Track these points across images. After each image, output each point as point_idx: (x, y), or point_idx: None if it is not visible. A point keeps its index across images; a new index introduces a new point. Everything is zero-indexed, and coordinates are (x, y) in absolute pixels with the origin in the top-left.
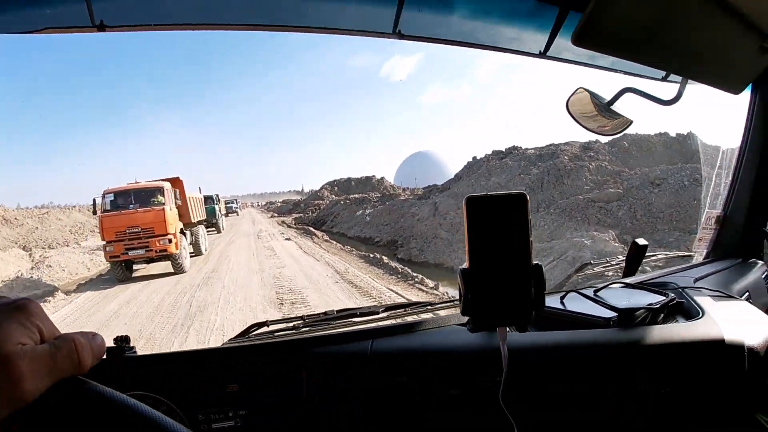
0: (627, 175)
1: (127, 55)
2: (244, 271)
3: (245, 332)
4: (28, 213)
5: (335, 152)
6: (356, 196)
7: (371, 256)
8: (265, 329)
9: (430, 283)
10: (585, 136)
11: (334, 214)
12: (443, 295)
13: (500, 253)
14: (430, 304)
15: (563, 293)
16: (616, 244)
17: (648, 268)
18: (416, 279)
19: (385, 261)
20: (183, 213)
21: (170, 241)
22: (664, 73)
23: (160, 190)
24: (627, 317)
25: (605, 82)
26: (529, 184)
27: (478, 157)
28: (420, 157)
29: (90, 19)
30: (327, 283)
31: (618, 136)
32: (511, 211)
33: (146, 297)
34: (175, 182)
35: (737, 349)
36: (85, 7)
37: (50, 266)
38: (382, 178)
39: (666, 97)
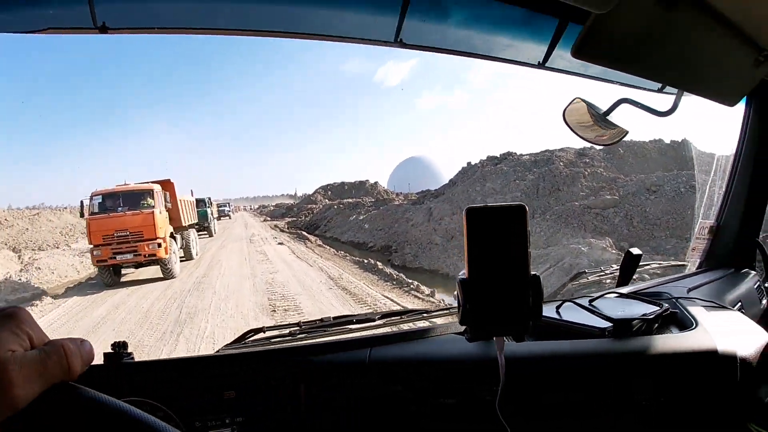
0: (623, 181)
1: (122, 57)
2: (236, 276)
3: (241, 338)
4: (18, 214)
5: (329, 156)
6: (350, 200)
7: (365, 261)
8: (261, 335)
9: (426, 290)
10: (580, 142)
11: (327, 218)
12: (439, 302)
13: (499, 263)
14: (426, 311)
15: (559, 303)
16: (614, 251)
17: (646, 276)
18: (411, 286)
19: (380, 267)
20: (174, 216)
21: (159, 245)
22: (660, 85)
23: (150, 193)
24: (622, 328)
25: (601, 91)
26: (525, 190)
27: (473, 163)
28: (413, 162)
29: (92, 20)
30: (321, 289)
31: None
32: (510, 223)
33: (135, 302)
34: (166, 185)
35: (730, 359)
36: (88, 9)
37: (39, 268)
38: (376, 183)
39: (662, 108)
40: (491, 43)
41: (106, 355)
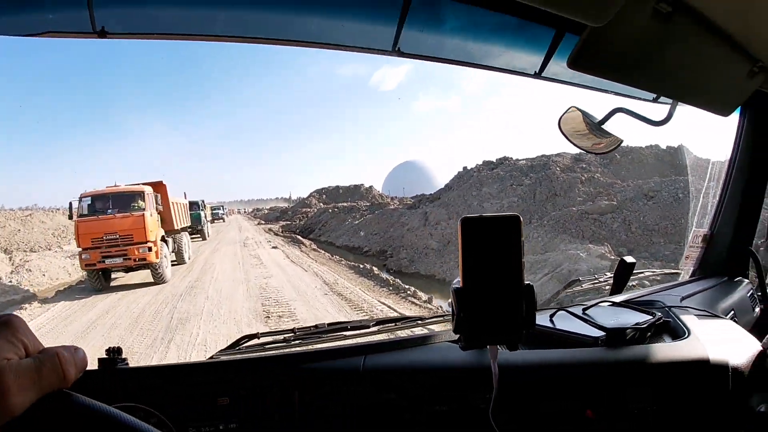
0: (620, 187)
1: (117, 59)
2: (229, 280)
3: (235, 344)
4: (10, 215)
5: (324, 160)
6: (345, 204)
7: (361, 266)
8: (255, 341)
9: (423, 296)
10: (575, 148)
11: (322, 222)
12: (437, 309)
13: (493, 272)
14: (421, 318)
15: (552, 311)
16: (612, 257)
17: (643, 283)
18: (408, 292)
19: (376, 272)
20: (165, 219)
21: (150, 249)
22: (654, 95)
23: (141, 195)
24: (615, 337)
25: (596, 100)
26: (522, 195)
27: (469, 167)
28: (408, 167)
29: (91, 25)
30: (315, 295)
31: None
32: (505, 232)
33: (126, 307)
34: (158, 186)
35: (722, 368)
36: (87, 14)
37: (30, 270)
38: (371, 187)
39: (656, 118)
40: (488, 52)
41: (100, 360)
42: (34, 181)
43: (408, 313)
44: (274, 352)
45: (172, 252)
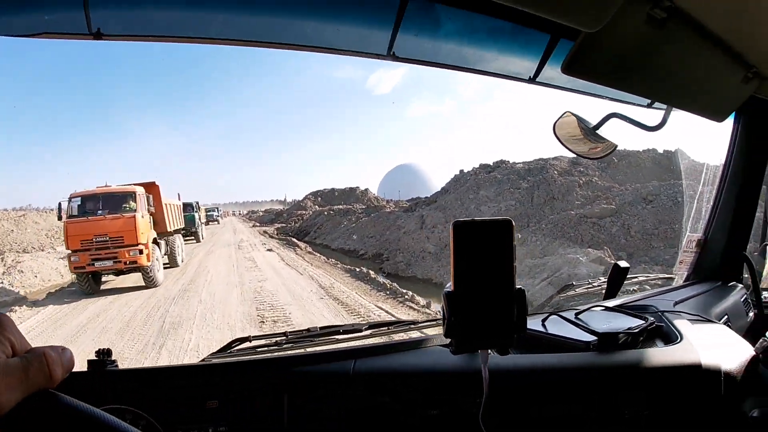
0: (618, 190)
1: (113, 60)
2: (223, 284)
3: (227, 347)
4: (4, 215)
5: (319, 162)
6: (340, 207)
7: (357, 270)
8: (247, 345)
9: (422, 301)
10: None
11: (317, 225)
12: (436, 314)
13: (485, 277)
14: (414, 322)
15: (545, 315)
16: (612, 261)
17: (634, 288)
18: (406, 296)
19: (372, 276)
20: (158, 221)
21: (141, 251)
22: (649, 100)
23: (132, 195)
24: (607, 341)
25: (591, 105)
26: (519, 199)
27: (466, 171)
28: (404, 170)
29: (87, 26)
30: (311, 299)
31: None
32: (496, 237)
33: (117, 310)
34: (150, 187)
35: (714, 373)
36: (83, 15)
37: (22, 271)
38: (366, 190)
39: (651, 123)
40: (483, 57)
41: (89, 362)
42: (29, 182)
43: (406, 319)
44: (265, 355)
45: (165, 255)
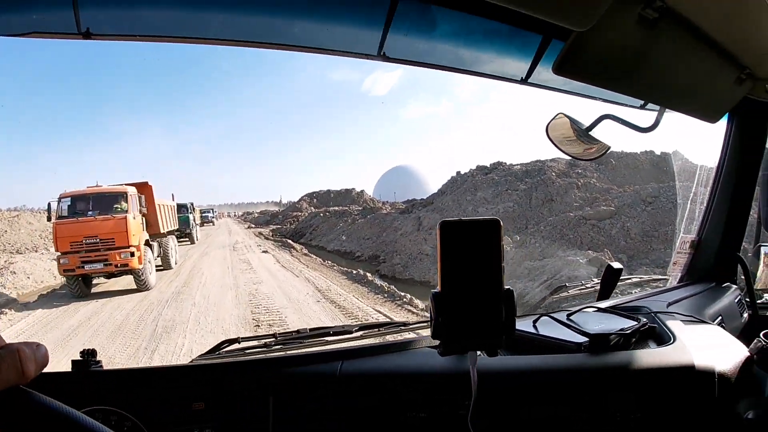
0: (617, 192)
1: (105, 60)
2: (218, 286)
3: (216, 348)
4: None
5: (314, 164)
6: (336, 208)
7: (354, 272)
8: (236, 346)
9: (420, 304)
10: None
11: (313, 226)
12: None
13: (472, 277)
14: (405, 324)
15: (536, 317)
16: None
17: (627, 290)
18: (404, 299)
19: (370, 278)
20: (151, 222)
21: (132, 254)
22: (642, 101)
23: (123, 196)
24: (599, 342)
25: (585, 106)
26: (517, 200)
27: (462, 172)
28: (399, 171)
29: (76, 26)
30: (308, 302)
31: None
32: (484, 237)
33: (108, 314)
34: (143, 187)
35: (707, 375)
36: (72, 15)
37: (15, 273)
38: (362, 191)
39: (643, 125)
40: (474, 57)
41: (73, 362)
42: (23, 182)
43: (398, 320)
44: (253, 357)
45: (158, 257)
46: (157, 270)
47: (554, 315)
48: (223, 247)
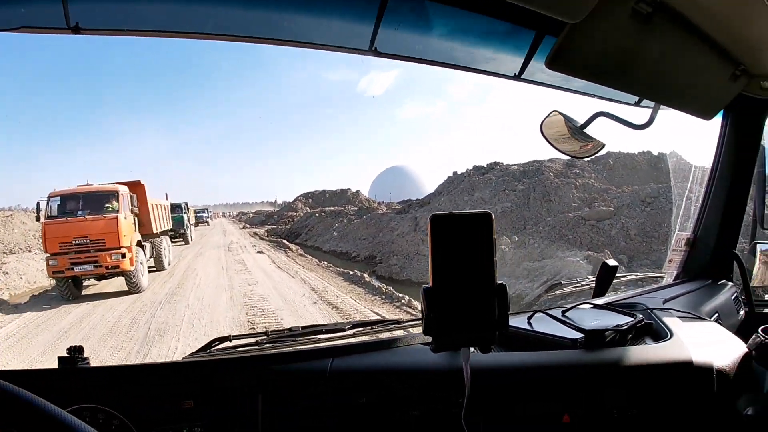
0: (615, 192)
1: (98, 57)
2: (212, 287)
3: (207, 347)
4: None
5: (310, 164)
6: (332, 208)
7: (351, 273)
8: (227, 344)
9: (419, 306)
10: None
11: (308, 226)
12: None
13: (464, 272)
14: (398, 321)
15: (530, 313)
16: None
17: (623, 288)
18: (403, 300)
19: (367, 279)
20: (143, 222)
21: (123, 255)
22: (636, 98)
23: (114, 195)
24: (594, 339)
25: (580, 104)
26: (515, 200)
27: (459, 172)
28: (395, 172)
29: (65, 20)
30: (304, 303)
31: (602, 153)
32: (475, 230)
33: (100, 316)
34: (135, 186)
35: (706, 371)
36: (61, 9)
37: (7, 273)
38: (358, 191)
39: (638, 122)
40: (466, 53)
41: (60, 359)
42: (18, 181)
43: (408, 332)
44: (243, 354)
45: (150, 258)
46: (150, 271)
47: (549, 312)
48: (218, 248)
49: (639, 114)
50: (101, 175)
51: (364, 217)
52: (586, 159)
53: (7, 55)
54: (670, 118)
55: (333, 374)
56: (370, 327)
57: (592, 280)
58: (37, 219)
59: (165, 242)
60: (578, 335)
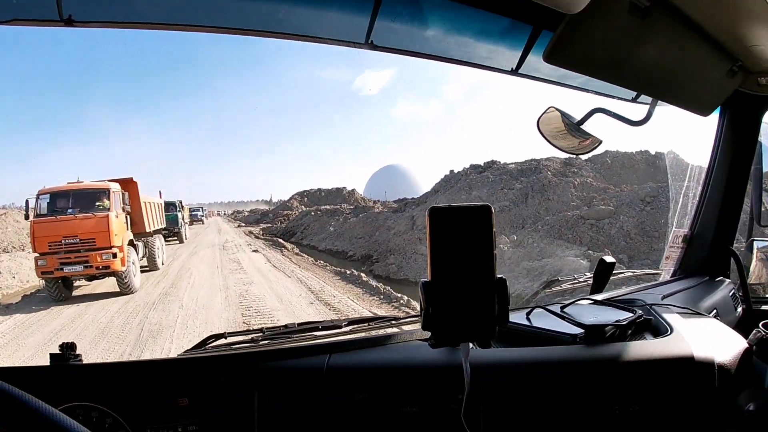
0: (614, 192)
1: (90, 53)
2: (207, 288)
3: (202, 344)
4: None
5: (305, 163)
6: (327, 207)
7: (348, 272)
8: (222, 341)
9: (419, 306)
10: (555, 149)
11: (304, 225)
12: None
13: (463, 265)
14: (395, 318)
15: (529, 309)
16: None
17: (619, 284)
18: (401, 301)
19: (364, 279)
20: (136, 220)
21: (115, 255)
22: (634, 94)
23: (105, 193)
24: (594, 334)
25: (577, 101)
26: (513, 199)
27: (456, 171)
28: (390, 171)
29: (58, 13)
30: (300, 304)
31: (599, 152)
32: (475, 223)
33: (92, 316)
34: (127, 184)
35: (707, 366)
36: (54, 1)
37: (0, 272)
38: (353, 190)
39: (635, 118)
40: (463, 47)
41: (52, 356)
42: (11, 180)
43: (405, 328)
44: (239, 351)
45: (143, 257)
46: (143, 271)
47: (548, 307)
48: (213, 246)
49: (636, 110)
50: (95, 173)
51: (360, 215)
52: (583, 157)
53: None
54: (667, 115)
55: (330, 371)
56: (366, 324)
57: (589, 277)
58: (26, 217)
59: (158, 241)
60: (578, 330)
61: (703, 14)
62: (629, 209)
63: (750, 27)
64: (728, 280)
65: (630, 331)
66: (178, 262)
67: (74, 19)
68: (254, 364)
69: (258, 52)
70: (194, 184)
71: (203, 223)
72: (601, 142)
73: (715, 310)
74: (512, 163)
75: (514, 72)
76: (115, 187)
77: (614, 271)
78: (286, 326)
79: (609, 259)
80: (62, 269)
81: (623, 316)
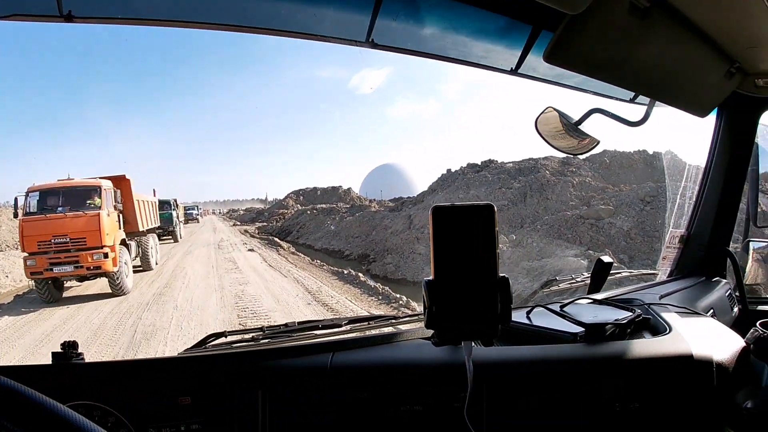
0: (612, 191)
1: (86, 50)
2: (202, 288)
3: (202, 342)
4: None
5: (301, 161)
6: (323, 206)
7: (345, 272)
8: (222, 340)
9: (418, 307)
10: (553, 149)
11: (300, 224)
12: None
13: (466, 264)
14: (395, 317)
15: (529, 308)
16: (615, 265)
17: (617, 284)
18: (400, 301)
19: (362, 279)
20: (129, 219)
21: (106, 255)
22: (632, 95)
23: (97, 190)
24: (594, 332)
25: (575, 102)
26: (512, 198)
27: (453, 170)
28: (386, 169)
29: (58, 8)
30: (297, 304)
31: (597, 152)
32: (478, 222)
33: (85, 317)
34: (120, 181)
35: (706, 364)
36: None
37: None
38: (349, 189)
39: (633, 119)
40: (463, 46)
41: (54, 354)
42: (6, 178)
43: (404, 328)
44: (241, 350)
45: (136, 257)
46: (136, 271)
47: (548, 306)
48: (208, 246)
49: (634, 111)
50: (89, 171)
51: (356, 214)
52: (581, 156)
53: None
54: (665, 116)
55: (334, 369)
56: (366, 323)
57: (587, 277)
58: (15, 216)
59: (152, 241)
60: (578, 329)
61: (702, 16)
62: (629, 209)
63: (748, 29)
64: (725, 281)
65: (629, 330)
66: (172, 262)
67: (74, 14)
68: (256, 362)
69: (255, 51)
70: (189, 182)
71: (198, 222)
72: (598, 142)
73: (711, 310)
74: (510, 162)
75: (514, 72)
76: (107, 185)
77: (611, 271)
78: (286, 325)
79: (606, 259)
80: (52, 270)
81: (622, 315)
